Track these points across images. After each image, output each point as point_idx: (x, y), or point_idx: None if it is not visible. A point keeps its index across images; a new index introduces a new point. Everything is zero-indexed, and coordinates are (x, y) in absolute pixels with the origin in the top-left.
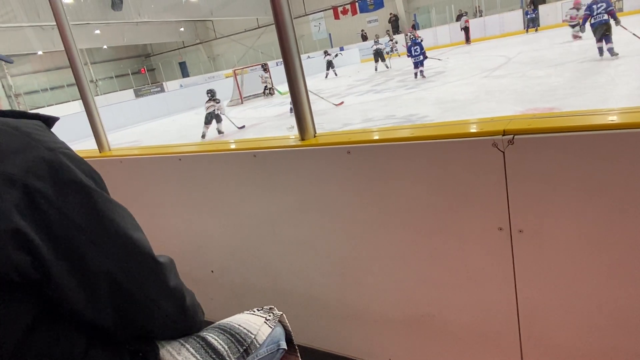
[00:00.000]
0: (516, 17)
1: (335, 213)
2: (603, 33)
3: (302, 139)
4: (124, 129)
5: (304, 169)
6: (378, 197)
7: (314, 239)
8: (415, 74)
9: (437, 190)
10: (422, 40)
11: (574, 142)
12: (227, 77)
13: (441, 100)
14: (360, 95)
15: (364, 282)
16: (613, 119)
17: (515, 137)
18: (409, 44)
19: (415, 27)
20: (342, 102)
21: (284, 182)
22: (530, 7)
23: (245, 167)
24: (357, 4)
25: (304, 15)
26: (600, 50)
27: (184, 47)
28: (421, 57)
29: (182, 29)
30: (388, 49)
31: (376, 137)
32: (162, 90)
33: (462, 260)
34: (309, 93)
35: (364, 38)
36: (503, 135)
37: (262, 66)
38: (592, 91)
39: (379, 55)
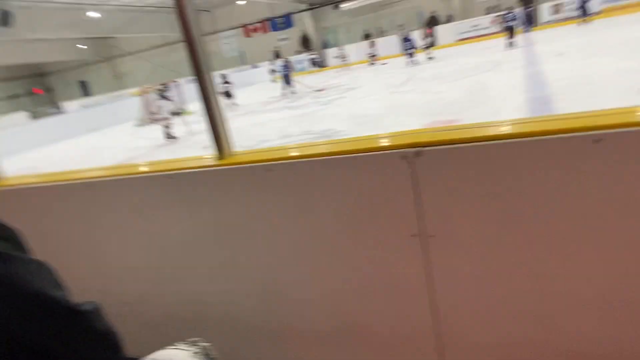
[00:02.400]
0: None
1: (256, 232)
2: None
3: (220, 157)
4: (18, 154)
5: (223, 189)
6: (299, 213)
7: (237, 259)
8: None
9: (354, 202)
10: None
11: (473, 152)
12: (134, 96)
13: (354, 115)
14: (276, 112)
15: (290, 298)
16: (504, 129)
17: (422, 149)
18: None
19: (325, 45)
20: (323, 89)
21: (202, 204)
22: (427, 27)
23: (160, 190)
24: (267, 22)
25: (213, 33)
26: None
27: (86, 65)
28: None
29: (82, 46)
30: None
31: (294, 154)
32: (61, 112)
33: (381, 268)
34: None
35: (277, 55)
36: (411, 148)
37: (161, 95)
38: (485, 104)
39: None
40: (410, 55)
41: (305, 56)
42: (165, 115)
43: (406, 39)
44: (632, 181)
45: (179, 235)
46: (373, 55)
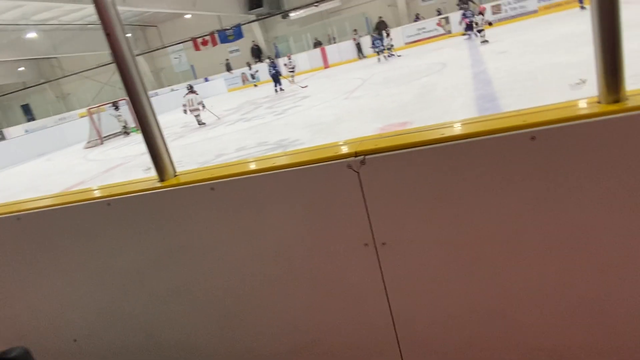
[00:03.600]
0: (367, 41)
1: (207, 253)
2: None
3: (162, 179)
4: None
5: (167, 212)
6: (249, 230)
7: (189, 284)
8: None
9: (305, 215)
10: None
11: (415, 156)
12: (81, 117)
13: (309, 124)
14: (230, 124)
15: (248, 319)
16: (443, 132)
17: (366, 157)
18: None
19: (276, 54)
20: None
21: (146, 229)
22: (376, 32)
23: (100, 217)
24: (216, 35)
25: (162, 48)
26: None
27: (26, 87)
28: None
29: (21, 69)
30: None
31: (239, 170)
32: (3, 138)
33: (337, 280)
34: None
35: (229, 68)
36: (355, 156)
37: (114, 104)
38: (435, 104)
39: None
40: (380, 52)
41: (259, 66)
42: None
43: (375, 39)
44: (566, 175)
45: (125, 263)
46: (292, 70)
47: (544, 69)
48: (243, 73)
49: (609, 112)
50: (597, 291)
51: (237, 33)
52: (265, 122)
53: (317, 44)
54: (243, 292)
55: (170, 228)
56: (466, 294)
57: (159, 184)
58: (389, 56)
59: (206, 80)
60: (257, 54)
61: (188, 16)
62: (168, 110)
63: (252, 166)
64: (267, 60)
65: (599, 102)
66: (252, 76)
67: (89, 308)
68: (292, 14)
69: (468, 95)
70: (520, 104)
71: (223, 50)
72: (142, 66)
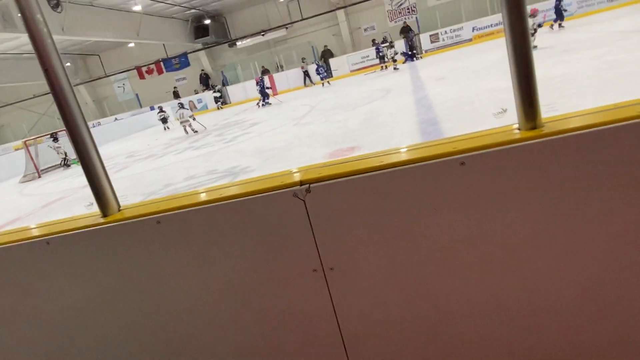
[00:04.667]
0: (312, 69)
1: (154, 288)
2: None
3: (105, 215)
4: None
5: (111, 248)
6: (198, 262)
7: (137, 322)
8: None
9: (254, 244)
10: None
11: (357, 183)
12: (16, 150)
13: (260, 150)
14: (179, 153)
15: (199, 354)
16: (382, 160)
17: (311, 185)
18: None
19: (224, 82)
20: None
21: (90, 267)
22: (321, 60)
23: (38, 258)
24: (162, 63)
25: (104, 77)
26: None
27: None
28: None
29: None
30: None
31: (185, 202)
32: None
33: (288, 307)
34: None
35: (176, 95)
36: (300, 185)
37: (52, 135)
38: (381, 129)
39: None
40: (324, 79)
41: (205, 94)
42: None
43: (319, 66)
44: (493, 196)
45: (67, 305)
46: (219, 99)
47: (479, 93)
48: (190, 101)
49: (527, 138)
50: (524, 301)
51: (183, 61)
52: (215, 149)
53: (265, 71)
54: (193, 325)
55: (115, 265)
56: (411, 312)
57: (102, 220)
58: (394, 69)
59: (152, 108)
60: (205, 81)
61: (132, 45)
62: (112, 140)
63: (199, 198)
64: (258, 79)
65: (519, 130)
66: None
67: (28, 357)
68: (239, 43)
69: (411, 120)
70: (460, 127)
71: (168, 79)
72: (83, 96)
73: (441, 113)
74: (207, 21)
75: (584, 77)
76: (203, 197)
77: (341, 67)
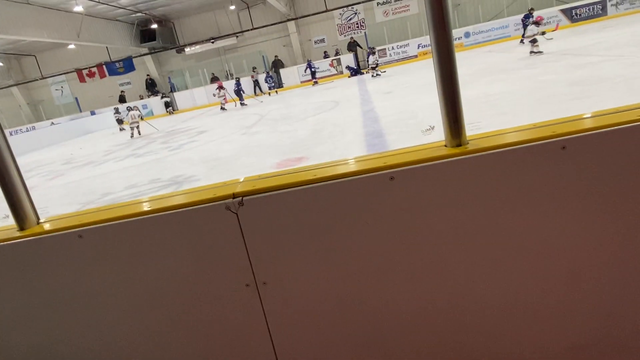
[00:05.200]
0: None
1: (76, 305)
2: None
3: (21, 228)
4: None
5: (28, 264)
6: (124, 278)
7: (61, 340)
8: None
9: (184, 259)
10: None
11: (291, 197)
12: None
13: (206, 159)
14: (119, 160)
15: None
16: (315, 174)
17: (244, 198)
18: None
19: (172, 89)
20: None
21: (3, 284)
22: (272, 70)
23: None
24: (104, 66)
25: (41, 79)
26: None
27: None
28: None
29: None
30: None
31: (110, 216)
32: None
33: (220, 324)
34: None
35: (123, 100)
36: (233, 198)
37: None
38: (329, 140)
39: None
40: (272, 88)
41: (151, 100)
42: None
43: (268, 76)
44: (421, 210)
45: None
46: (169, 105)
47: (423, 108)
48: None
49: (452, 155)
50: (451, 309)
51: (127, 66)
52: (159, 157)
53: (215, 79)
54: (119, 345)
55: (32, 281)
56: (345, 326)
57: (18, 234)
58: (373, 75)
59: (92, 113)
60: (151, 87)
61: (72, 46)
62: (48, 145)
63: (124, 210)
64: (234, 79)
65: (445, 146)
66: (119, 121)
67: None
68: (188, 49)
69: (358, 132)
70: (403, 140)
71: (113, 83)
72: (17, 98)
73: (386, 126)
74: (154, 26)
75: (519, 95)
76: (129, 210)
77: (291, 77)
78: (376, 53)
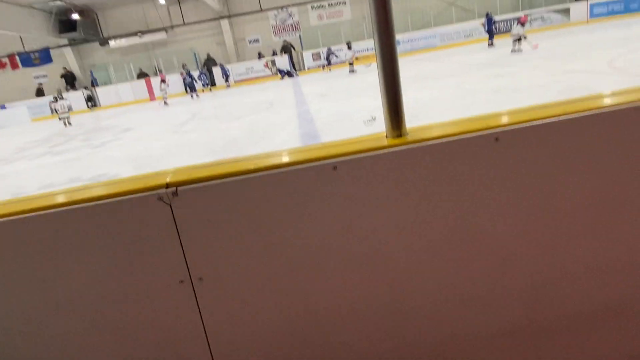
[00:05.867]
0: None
1: None
2: None
3: None
4: None
5: None
6: (38, 279)
7: None
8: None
9: (110, 256)
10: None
11: (230, 187)
12: None
13: (133, 157)
14: (34, 158)
15: None
16: (256, 163)
17: (178, 188)
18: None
19: (93, 83)
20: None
21: None
22: (204, 68)
23: None
24: (17, 57)
25: None
26: None
27: None
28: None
29: None
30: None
31: (20, 208)
32: None
33: (151, 324)
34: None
35: (40, 93)
36: (166, 188)
37: None
38: (264, 140)
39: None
40: (206, 86)
41: (71, 95)
42: None
43: (202, 74)
44: (363, 199)
45: None
46: (90, 100)
47: (358, 110)
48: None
49: (393, 145)
50: (390, 297)
51: (44, 57)
52: (80, 155)
53: (142, 75)
54: (34, 349)
55: None
56: (285, 319)
57: None
58: (351, 71)
59: (2, 107)
60: (70, 81)
61: None
62: None
63: (39, 202)
64: (184, 70)
65: (386, 137)
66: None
67: None
68: (113, 42)
69: (294, 133)
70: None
71: (27, 75)
72: None
73: (322, 127)
74: (75, 16)
75: (448, 101)
76: (45, 201)
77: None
78: (352, 48)
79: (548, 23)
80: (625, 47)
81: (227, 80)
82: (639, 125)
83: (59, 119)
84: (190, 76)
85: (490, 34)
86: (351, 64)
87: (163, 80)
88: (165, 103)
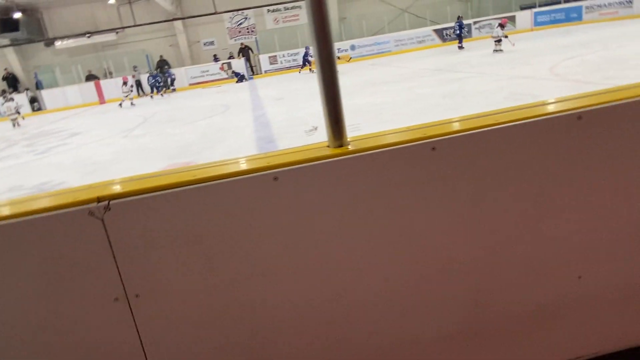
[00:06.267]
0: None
1: None
2: None
3: None
4: None
5: None
6: None
7: None
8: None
9: (38, 274)
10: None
11: (167, 199)
12: None
13: (80, 164)
14: None
15: None
16: (195, 174)
17: (111, 202)
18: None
19: (38, 86)
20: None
21: None
22: (158, 70)
23: None
24: None
25: None
26: None
27: None
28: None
29: None
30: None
31: None
32: None
33: (84, 346)
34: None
35: None
36: (98, 202)
37: None
38: (219, 144)
39: None
40: (158, 89)
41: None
42: None
43: (155, 75)
44: (305, 209)
45: None
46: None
47: (314, 114)
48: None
49: (334, 155)
50: (334, 301)
51: None
52: (22, 162)
53: (91, 77)
54: None
55: None
56: (226, 333)
57: None
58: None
59: None
60: (13, 83)
61: None
62: None
63: None
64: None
65: (328, 147)
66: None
67: None
68: (59, 43)
69: (249, 137)
70: (295, 145)
71: None
72: None
73: (278, 131)
74: (17, 14)
75: (400, 105)
76: None
77: (179, 79)
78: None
79: None
80: (565, 54)
81: (172, 84)
82: (566, 133)
83: (9, 117)
84: (155, 77)
85: (460, 38)
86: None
87: (125, 82)
88: (132, 104)
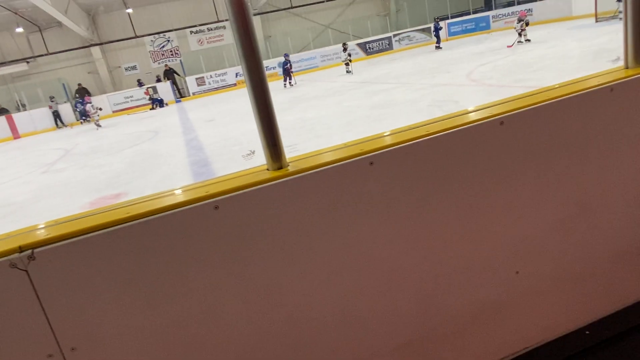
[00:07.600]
0: (67, 109)
1: None
2: None
3: None
4: None
5: None
6: None
7: None
8: None
9: None
10: None
11: (99, 241)
12: None
13: None
14: None
15: None
16: (128, 211)
17: (35, 251)
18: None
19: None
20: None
21: None
22: (77, 99)
23: None
24: None
25: None
26: None
27: None
28: None
29: None
30: None
31: None
32: None
33: None
34: None
35: None
36: (20, 252)
37: None
38: (151, 172)
39: None
40: (85, 119)
41: None
42: None
43: (79, 103)
44: (249, 237)
45: None
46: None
47: (247, 134)
48: None
49: (274, 178)
50: (283, 332)
51: None
52: None
53: (2, 110)
54: None
55: None
56: None
57: None
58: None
59: None
60: None
61: None
62: None
63: None
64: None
65: (267, 170)
66: None
67: None
68: None
69: (182, 162)
70: (231, 167)
71: None
72: None
73: (212, 154)
74: None
75: (331, 119)
76: None
77: (101, 107)
78: (347, 50)
79: (414, 42)
80: (478, 61)
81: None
82: (491, 138)
83: None
84: (83, 103)
85: (438, 38)
86: (347, 64)
87: (89, 102)
88: (98, 125)
